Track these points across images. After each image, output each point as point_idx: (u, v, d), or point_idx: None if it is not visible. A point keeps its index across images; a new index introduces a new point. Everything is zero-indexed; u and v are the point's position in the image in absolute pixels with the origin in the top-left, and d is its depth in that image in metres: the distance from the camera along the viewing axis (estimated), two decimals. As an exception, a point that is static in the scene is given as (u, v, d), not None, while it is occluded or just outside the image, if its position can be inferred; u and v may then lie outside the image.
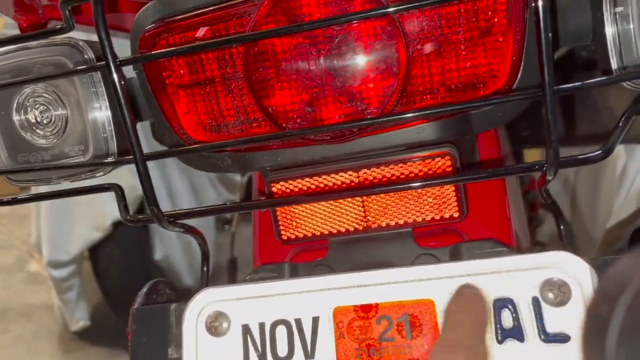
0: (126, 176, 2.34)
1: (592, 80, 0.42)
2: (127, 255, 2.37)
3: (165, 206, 2.04)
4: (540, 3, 0.38)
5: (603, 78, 0.43)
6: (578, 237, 1.86)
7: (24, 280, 3.30)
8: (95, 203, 2.23)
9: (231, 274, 1.80)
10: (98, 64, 0.48)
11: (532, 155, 1.79)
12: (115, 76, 0.44)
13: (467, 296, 0.49)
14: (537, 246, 1.52)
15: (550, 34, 0.38)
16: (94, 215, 2.22)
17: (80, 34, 0.71)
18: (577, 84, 0.41)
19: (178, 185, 2.44)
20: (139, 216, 0.52)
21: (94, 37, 0.71)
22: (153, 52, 0.47)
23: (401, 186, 0.47)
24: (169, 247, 2.43)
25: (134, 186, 2.24)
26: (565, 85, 0.40)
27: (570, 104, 1.11)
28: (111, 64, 0.43)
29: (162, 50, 0.45)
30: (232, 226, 1.99)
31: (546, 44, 0.38)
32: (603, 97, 0.97)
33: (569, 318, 0.49)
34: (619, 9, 0.48)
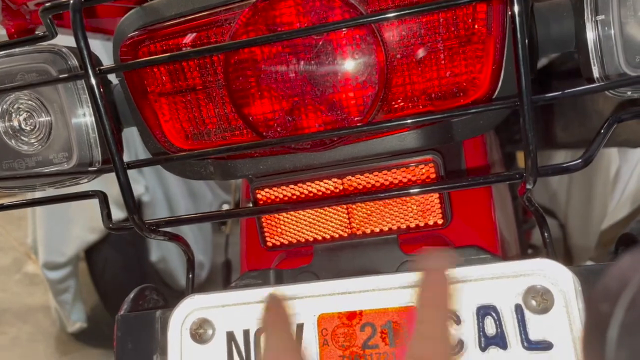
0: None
1: (570, 90, 0.42)
2: (123, 256, 2.37)
3: (162, 210, 2.03)
4: (516, 10, 0.37)
5: (582, 88, 0.43)
6: (572, 239, 1.86)
7: (21, 281, 3.30)
8: (91, 205, 2.22)
9: (225, 276, 1.80)
10: (78, 72, 0.48)
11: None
12: (94, 84, 0.44)
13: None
14: (531, 249, 1.52)
15: (527, 42, 0.38)
16: (90, 217, 2.22)
17: (69, 38, 0.71)
18: (555, 93, 0.41)
19: (175, 188, 2.44)
20: (122, 224, 0.52)
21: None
22: (133, 61, 0.47)
23: (382, 194, 0.47)
24: (165, 249, 2.43)
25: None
26: (543, 95, 0.40)
27: (561, 108, 1.12)
28: (90, 73, 0.43)
29: (143, 59, 0.45)
30: (227, 228, 1.99)
31: (523, 52, 0.38)
32: (593, 101, 0.97)
33: (552, 325, 0.49)
34: (600, 17, 0.48)
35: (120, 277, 2.35)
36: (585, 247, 1.88)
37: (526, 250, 1.45)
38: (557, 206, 1.88)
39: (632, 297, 0.26)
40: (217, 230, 2.70)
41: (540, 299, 0.50)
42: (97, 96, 0.43)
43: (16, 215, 3.70)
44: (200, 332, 0.56)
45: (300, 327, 0.54)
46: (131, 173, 0.52)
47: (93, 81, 0.44)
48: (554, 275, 0.50)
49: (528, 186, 0.43)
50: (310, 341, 0.54)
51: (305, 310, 0.54)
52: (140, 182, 2.26)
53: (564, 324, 0.49)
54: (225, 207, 2.64)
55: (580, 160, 0.44)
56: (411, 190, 0.46)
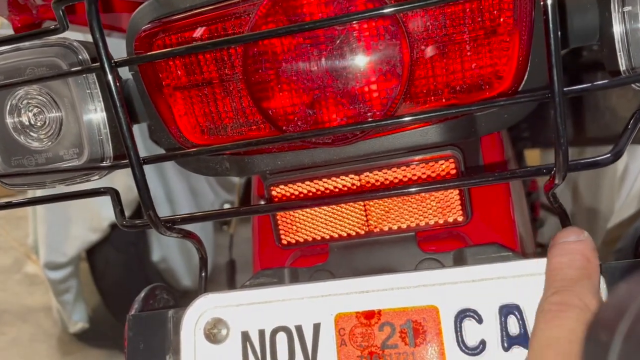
0: (123, 177, 2.33)
1: (602, 82, 0.41)
2: (125, 256, 2.36)
3: (163, 209, 2.02)
4: (549, 1, 0.36)
5: (613, 80, 0.41)
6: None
7: (22, 281, 3.28)
8: (92, 205, 2.21)
9: (230, 276, 1.79)
10: (92, 65, 0.47)
11: (532, 155, 1.78)
12: (110, 78, 0.42)
13: (570, 248, 0.44)
14: (538, 248, 1.51)
15: (559, 34, 0.37)
16: (91, 217, 2.21)
17: (77, 34, 0.70)
18: (586, 85, 0.40)
19: (177, 188, 2.43)
20: (136, 221, 0.50)
21: (90, 37, 0.69)
22: (149, 53, 0.46)
23: (403, 190, 0.46)
24: (167, 248, 2.42)
25: (131, 187, 2.22)
26: (575, 87, 0.39)
27: (573, 105, 1.11)
28: (106, 65, 0.42)
29: (159, 52, 0.44)
30: (230, 227, 1.97)
31: (555, 44, 0.37)
32: (605, 97, 0.96)
33: None
34: (627, 8, 0.47)
35: (121, 277, 2.34)
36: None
37: (536, 249, 1.44)
38: (564, 203, 1.88)
39: (629, 327, 0.26)
40: (219, 230, 2.69)
41: None
42: (113, 90, 0.42)
43: (16, 215, 3.68)
44: (214, 332, 0.55)
45: (317, 326, 0.53)
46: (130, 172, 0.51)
47: (109, 74, 0.42)
48: None
49: (557, 181, 0.42)
50: (328, 341, 0.52)
51: (322, 310, 0.53)
52: (142, 182, 2.25)
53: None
54: (227, 206, 2.63)
55: (610, 155, 0.43)
56: (431, 187, 0.45)
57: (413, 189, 0.44)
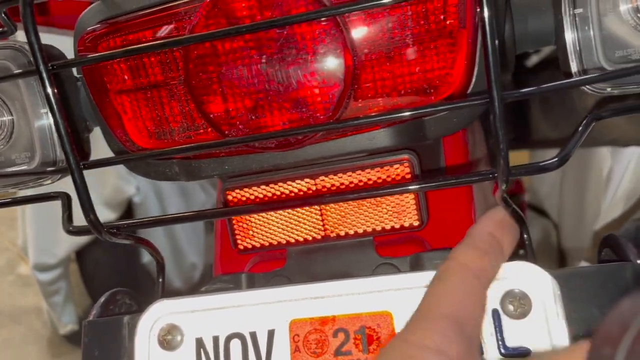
0: (111, 179, 2.32)
1: (545, 86, 0.40)
2: (115, 258, 2.36)
3: (154, 212, 2.01)
4: (484, 3, 0.35)
5: (556, 83, 0.41)
6: (566, 239, 1.85)
7: (14, 283, 3.28)
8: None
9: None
10: (28, 69, 0.46)
11: (522, 156, 1.77)
12: (47, 82, 0.42)
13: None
14: (522, 250, 1.50)
15: (496, 38, 0.36)
16: (80, 218, 2.20)
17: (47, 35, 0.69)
18: (527, 89, 0.39)
19: (168, 189, 2.42)
20: (82, 227, 0.50)
21: (56, 37, 0.69)
22: (88, 57, 0.45)
23: (351, 195, 0.45)
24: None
25: (120, 188, 2.21)
26: (513, 91, 0.38)
27: (550, 106, 1.10)
28: (42, 69, 0.41)
29: (97, 55, 0.43)
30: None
31: (492, 48, 0.36)
32: (580, 98, 0.96)
33: (530, 331, 0.47)
34: (578, 11, 0.46)
35: (111, 279, 2.34)
36: (579, 247, 1.86)
37: (518, 252, 1.43)
38: (550, 206, 1.87)
39: (632, 341, 0.26)
40: (211, 231, 2.68)
41: (518, 304, 0.49)
42: (50, 94, 0.41)
43: (9, 215, 3.67)
44: (168, 339, 0.54)
45: (271, 333, 0.52)
46: (122, 174, 0.50)
47: (46, 78, 0.42)
48: (532, 279, 0.48)
49: (501, 186, 0.41)
50: (282, 348, 0.52)
51: (277, 316, 0.52)
52: (132, 183, 2.24)
53: (542, 329, 0.48)
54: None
55: (556, 159, 0.42)
56: (381, 191, 0.45)
57: (361, 194, 0.44)
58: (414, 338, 0.39)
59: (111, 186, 2.26)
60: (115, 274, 2.36)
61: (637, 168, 1.46)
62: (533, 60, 1.18)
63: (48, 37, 0.61)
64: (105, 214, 2.22)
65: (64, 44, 0.56)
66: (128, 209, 2.33)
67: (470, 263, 0.44)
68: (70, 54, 0.51)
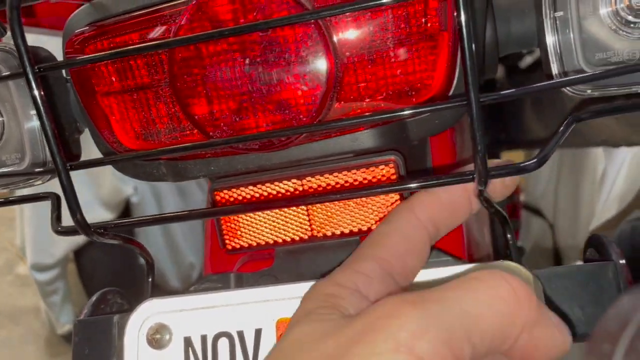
0: (109, 179, 2.32)
1: (522, 88, 0.41)
2: (113, 257, 2.36)
3: (152, 211, 2.01)
4: (461, 4, 0.36)
5: (535, 85, 0.41)
6: (562, 238, 1.86)
7: (13, 282, 3.28)
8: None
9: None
10: (15, 72, 0.47)
11: (516, 156, 1.78)
12: (34, 84, 0.42)
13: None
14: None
15: (473, 41, 0.37)
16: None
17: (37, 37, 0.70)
18: (505, 92, 0.39)
19: (165, 188, 2.43)
20: (70, 227, 0.50)
21: (47, 39, 0.69)
22: (73, 59, 0.46)
23: (334, 196, 0.46)
24: (155, 249, 2.42)
25: (118, 188, 2.21)
26: (491, 94, 0.39)
27: (540, 107, 1.11)
28: (28, 71, 0.42)
29: (83, 57, 0.44)
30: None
31: (469, 51, 0.37)
32: (571, 99, 0.96)
33: None
34: (558, 14, 0.47)
35: (109, 278, 2.34)
36: (574, 246, 1.87)
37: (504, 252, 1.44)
38: (545, 206, 1.88)
39: (631, 338, 0.26)
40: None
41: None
42: (37, 96, 0.42)
43: (7, 215, 3.68)
44: (156, 338, 0.55)
45: (258, 332, 0.53)
46: (120, 174, 0.51)
47: (32, 80, 0.42)
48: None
49: (480, 187, 0.42)
50: (269, 346, 0.52)
51: (263, 315, 0.53)
52: (129, 183, 2.25)
53: None
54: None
55: (534, 160, 0.43)
56: (361, 192, 0.45)
57: (333, 196, 0.44)
58: (336, 278, 0.40)
59: (109, 186, 2.26)
60: (113, 273, 2.37)
61: (631, 169, 1.47)
62: (527, 60, 1.19)
63: (37, 38, 0.62)
64: (102, 214, 2.23)
65: (59, 45, 0.57)
66: (126, 209, 2.33)
67: (419, 211, 0.44)
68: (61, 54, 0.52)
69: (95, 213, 2.18)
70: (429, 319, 0.31)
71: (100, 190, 2.20)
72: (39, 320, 2.73)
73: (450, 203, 0.45)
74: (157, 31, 0.46)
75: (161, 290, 2.48)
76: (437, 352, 0.30)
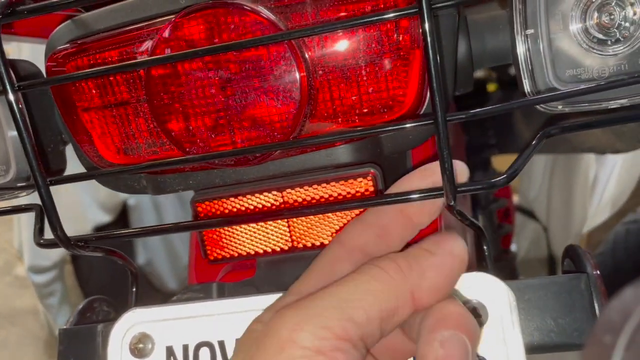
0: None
1: (490, 107, 0.41)
2: (110, 260, 2.36)
3: (150, 214, 2.02)
4: (426, 27, 0.37)
5: (505, 104, 0.42)
6: (555, 242, 1.86)
7: (12, 284, 3.29)
8: (76, 206, 2.22)
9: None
10: (-5, 89, 0.48)
11: (506, 160, 1.79)
12: (13, 101, 0.43)
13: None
14: (505, 255, 1.52)
15: (438, 60, 0.38)
16: (74, 220, 2.22)
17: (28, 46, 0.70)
18: (473, 111, 0.40)
19: (163, 196, 2.43)
20: (52, 240, 0.51)
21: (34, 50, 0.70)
22: (55, 77, 0.47)
23: (308, 210, 0.47)
24: (152, 251, 2.43)
25: (114, 193, 2.20)
26: (458, 113, 0.39)
27: (532, 116, 1.12)
28: (8, 88, 0.43)
29: (60, 76, 0.45)
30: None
31: (435, 71, 0.38)
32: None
33: (485, 340, 0.49)
34: (529, 31, 0.48)
35: (106, 280, 2.35)
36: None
37: (502, 256, 1.45)
38: (539, 210, 1.88)
39: (634, 330, 0.27)
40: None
41: (475, 314, 0.50)
42: (17, 112, 0.43)
43: (6, 217, 3.68)
44: (139, 347, 0.56)
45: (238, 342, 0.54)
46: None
47: (12, 97, 0.43)
48: (489, 289, 0.50)
49: (449, 203, 0.43)
50: None
51: (245, 325, 0.53)
52: (126, 186, 2.25)
53: (498, 339, 0.49)
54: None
55: (504, 176, 0.44)
56: (336, 207, 0.46)
57: (308, 210, 0.45)
58: (261, 316, 0.44)
59: (106, 189, 2.27)
60: (110, 276, 2.37)
61: (622, 173, 1.48)
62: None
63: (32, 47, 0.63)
64: (100, 217, 2.24)
65: (37, 49, 0.57)
66: (123, 212, 2.34)
67: (345, 239, 0.45)
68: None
69: (93, 216, 2.19)
70: (305, 314, 0.36)
71: (97, 193, 2.21)
72: (38, 322, 2.73)
73: (380, 228, 0.44)
74: (136, 49, 0.47)
75: (159, 292, 2.48)
76: (317, 336, 0.35)
